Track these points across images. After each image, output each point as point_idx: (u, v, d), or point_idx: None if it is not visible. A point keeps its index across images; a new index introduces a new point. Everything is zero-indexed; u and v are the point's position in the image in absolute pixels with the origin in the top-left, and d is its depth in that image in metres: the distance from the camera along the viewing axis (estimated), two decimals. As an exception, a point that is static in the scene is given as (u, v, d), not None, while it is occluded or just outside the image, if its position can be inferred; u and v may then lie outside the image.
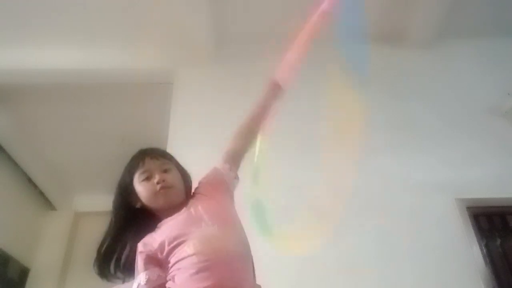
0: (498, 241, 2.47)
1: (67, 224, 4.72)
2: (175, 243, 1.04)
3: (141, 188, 1.18)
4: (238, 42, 3.17)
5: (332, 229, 2.38)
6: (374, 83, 3.05)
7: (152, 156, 1.22)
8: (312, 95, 2.99)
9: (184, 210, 1.15)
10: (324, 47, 3.19)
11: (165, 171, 1.20)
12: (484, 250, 2.39)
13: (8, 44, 3.05)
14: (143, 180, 1.18)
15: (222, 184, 1.24)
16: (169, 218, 1.13)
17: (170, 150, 2.68)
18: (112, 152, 4.17)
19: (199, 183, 1.27)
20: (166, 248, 1.04)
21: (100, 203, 4.73)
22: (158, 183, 1.16)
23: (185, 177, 1.27)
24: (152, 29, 3.05)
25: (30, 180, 4.27)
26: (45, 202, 4.64)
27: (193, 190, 1.27)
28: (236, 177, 1.28)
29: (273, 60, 3.34)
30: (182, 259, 1.01)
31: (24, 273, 4.24)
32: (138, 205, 1.19)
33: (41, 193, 4.50)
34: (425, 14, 3.02)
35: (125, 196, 1.22)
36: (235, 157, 1.30)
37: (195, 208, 1.14)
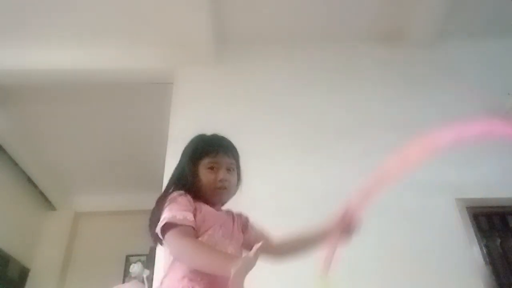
0: (498, 241, 2.47)
1: (67, 224, 4.73)
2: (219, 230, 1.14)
3: (204, 175, 1.21)
4: (238, 42, 3.17)
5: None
6: (374, 82, 3.06)
7: (226, 152, 1.25)
8: (313, 96, 3.00)
9: (223, 212, 1.24)
10: (325, 47, 3.22)
11: (229, 170, 1.24)
12: (484, 250, 2.39)
13: (8, 44, 3.04)
14: (208, 168, 1.22)
15: (249, 235, 1.28)
16: (210, 208, 1.19)
17: (170, 150, 2.71)
18: (112, 152, 4.19)
19: (244, 216, 1.32)
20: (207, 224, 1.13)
21: (100, 203, 4.79)
22: (220, 180, 1.20)
23: (239, 182, 1.31)
24: (152, 29, 3.05)
25: (30, 180, 4.27)
26: (45, 202, 4.65)
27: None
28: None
29: (272, 60, 3.36)
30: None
31: (24, 273, 4.24)
32: (189, 181, 1.22)
33: (41, 193, 4.50)
34: (425, 14, 3.02)
35: (190, 167, 1.25)
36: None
37: (232, 222, 1.23)
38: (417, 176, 2.59)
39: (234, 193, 1.28)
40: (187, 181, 1.22)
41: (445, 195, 2.50)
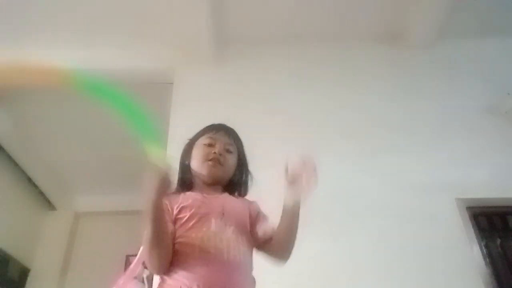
0: (498, 241, 2.46)
1: (67, 224, 4.72)
2: (195, 219, 1.06)
3: (198, 150, 1.20)
4: (238, 43, 3.17)
5: (333, 229, 2.39)
6: (374, 83, 3.06)
7: (226, 132, 1.24)
8: (313, 96, 3.00)
9: (221, 196, 1.17)
10: (325, 47, 3.22)
11: (228, 151, 1.21)
12: (484, 250, 2.38)
13: (8, 44, 3.04)
14: (205, 144, 1.20)
15: (257, 225, 1.20)
16: (200, 194, 1.14)
17: (170, 150, 2.70)
18: (112, 153, 4.19)
19: (256, 204, 1.26)
20: (184, 215, 1.07)
21: (100, 203, 4.79)
22: (215, 153, 1.17)
23: (240, 171, 1.27)
24: (152, 29, 3.05)
25: (30, 180, 4.27)
26: (45, 202, 4.65)
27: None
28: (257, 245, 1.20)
29: (272, 60, 3.37)
30: (187, 242, 1.02)
31: (24, 273, 4.24)
32: (187, 162, 1.22)
33: (41, 193, 4.50)
34: (425, 14, 3.02)
35: (186, 150, 1.25)
36: (264, 242, 1.19)
37: (229, 205, 1.15)
38: (417, 176, 2.60)
39: (229, 176, 1.23)
40: (184, 166, 1.20)
41: (445, 195, 2.50)
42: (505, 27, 3.22)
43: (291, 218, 1.13)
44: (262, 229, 1.17)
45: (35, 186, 4.36)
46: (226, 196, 1.20)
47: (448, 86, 3.03)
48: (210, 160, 1.17)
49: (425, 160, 2.65)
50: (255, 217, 1.20)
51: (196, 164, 1.19)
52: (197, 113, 2.90)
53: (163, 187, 0.95)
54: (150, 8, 2.90)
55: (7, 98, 3.49)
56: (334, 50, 3.21)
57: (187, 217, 1.07)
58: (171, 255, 1.01)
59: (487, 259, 2.34)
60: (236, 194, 1.27)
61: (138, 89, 3.54)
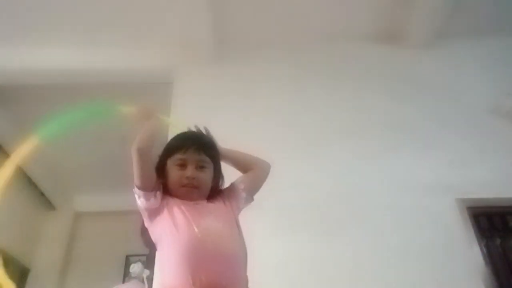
0: (498, 241, 2.46)
1: (67, 224, 4.73)
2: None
3: (172, 172, 1.20)
4: (238, 42, 3.17)
5: (333, 229, 2.39)
6: (374, 83, 3.06)
7: (197, 149, 1.22)
8: (313, 95, 3.00)
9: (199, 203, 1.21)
10: (325, 47, 3.22)
11: (201, 168, 1.21)
12: (484, 250, 2.38)
13: (8, 44, 3.04)
14: (177, 165, 1.21)
15: (234, 198, 1.26)
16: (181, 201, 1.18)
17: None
18: (112, 152, 4.19)
19: (224, 193, 1.30)
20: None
21: (100, 203, 4.79)
22: (187, 178, 1.18)
23: (216, 178, 1.29)
24: (152, 28, 3.05)
25: (30, 180, 4.27)
26: (45, 202, 4.65)
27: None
28: (247, 198, 1.29)
29: (272, 60, 3.37)
30: (182, 231, 1.08)
31: (24, 273, 4.24)
32: (162, 180, 1.22)
33: (41, 193, 4.50)
34: (425, 14, 3.02)
35: (159, 165, 1.26)
36: (252, 183, 1.32)
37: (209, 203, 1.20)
38: (417, 176, 2.60)
39: (208, 190, 1.24)
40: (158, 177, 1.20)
41: (445, 195, 2.50)
42: (505, 27, 3.22)
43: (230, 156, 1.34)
44: (240, 182, 1.29)
45: (35, 186, 4.36)
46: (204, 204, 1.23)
47: (448, 86, 3.03)
48: (183, 186, 1.18)
49: (425, 160, 2.65)
50: (231, 196, 1.26)
51: (172, 187, 1.19)
52: (197, 113, 2.90)
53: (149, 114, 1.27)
54: (150, 8, 2.90)
55: (7, 98, 3.49)
56: (334, 50, 3.21)
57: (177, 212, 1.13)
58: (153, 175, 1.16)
59: (487, 259, 2.34)
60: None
61: (138, 89, 3.58)
